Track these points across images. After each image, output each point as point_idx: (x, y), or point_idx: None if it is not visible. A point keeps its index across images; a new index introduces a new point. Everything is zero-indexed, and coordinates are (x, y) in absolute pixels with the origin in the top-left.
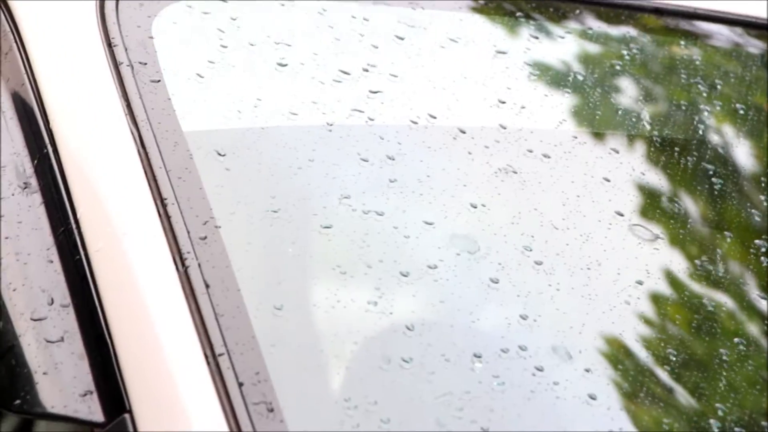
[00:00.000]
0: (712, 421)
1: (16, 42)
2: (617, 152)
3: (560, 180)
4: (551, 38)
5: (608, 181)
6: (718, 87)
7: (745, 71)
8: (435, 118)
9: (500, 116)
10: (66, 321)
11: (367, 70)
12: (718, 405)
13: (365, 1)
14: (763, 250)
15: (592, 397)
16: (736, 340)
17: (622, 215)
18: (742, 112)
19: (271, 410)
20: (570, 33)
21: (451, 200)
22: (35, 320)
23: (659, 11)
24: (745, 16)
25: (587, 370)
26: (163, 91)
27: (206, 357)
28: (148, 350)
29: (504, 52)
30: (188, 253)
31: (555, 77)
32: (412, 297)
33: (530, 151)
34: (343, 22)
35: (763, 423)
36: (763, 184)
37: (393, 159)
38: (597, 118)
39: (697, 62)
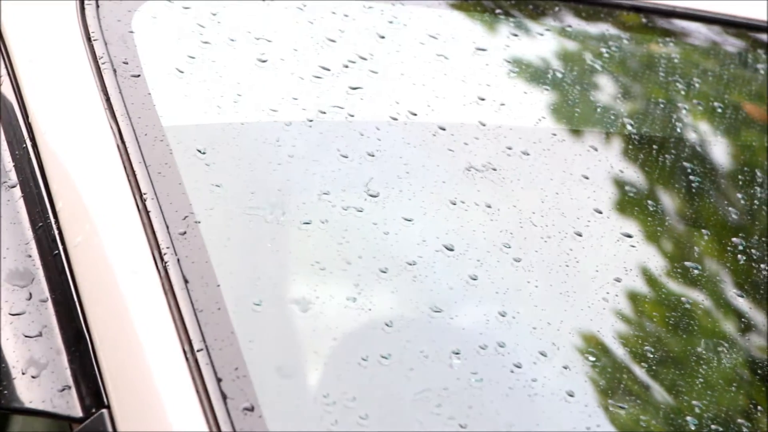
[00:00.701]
0: (689, 418)
1: None
2: (596, 150)
3: (539, 177)
4: (530, 35)
5: (587, 178)
6: (696, 85)
7: (723, 69)
8: (415, 114)
9: (480, 113)
10: (44, 316)
11: (347, 66)
12: (695, 402)
13: None
14: (740, 248)
15: (570, 394)
16: (712, 337)
17: (600, 212)
18: (720, 110)
19: (250, 407)
20: (549, 30)
21: (430, 197)
22: (13, 315)
23: (638, 9)
24: (724, 15)
25: (565, 367)
26: (143, 86)
27: (185, 352)
28: (127, 345)
29: (484, 49)
30: (167, 248)
31: (534, 74)
32: (391, 293)
33: (509, 149)
34: (324, 18)
35: (739, 420)
36: (740, 182)
37: (373, 155)
38: (576, 115)
39: (675, 60)
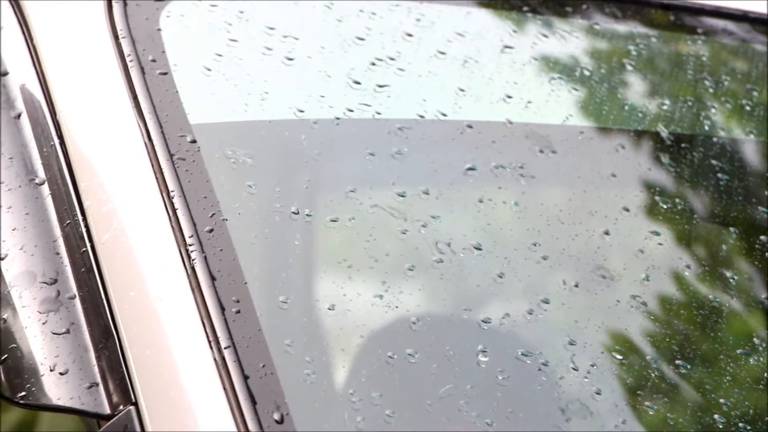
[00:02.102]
0: (716, 416)
1: (24, 35)
2: (624, 148)
3: (567, 175)
4: (558, 33)
5: (615, 176)
6: (725, 83)
7: (752, 66)
8: (443, 114)
9: (507, 111)
10: (72, 313)
11: (374, 64)
12: (722, 401)
13: None
14: None
15: (598, 393)
16: (741, 336)
17: (628, 210)
18: (748, 108)
19: (277, 405)
20: (577, 28)
21: (457, 195)
22: (41, 313)
23: (666, 7)
24: (752, 12)
25: (593, 365)
26: (170, 84)
27: (212, 350)
28: (154, 343)
29: (511, 47)
30: (194, 245)
31: (562, 72)
32: (418, 291)
33: (537, 147)
34: (351, 16)
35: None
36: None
37: (400, 153)
38: (604, 113)
39: (704, 58)
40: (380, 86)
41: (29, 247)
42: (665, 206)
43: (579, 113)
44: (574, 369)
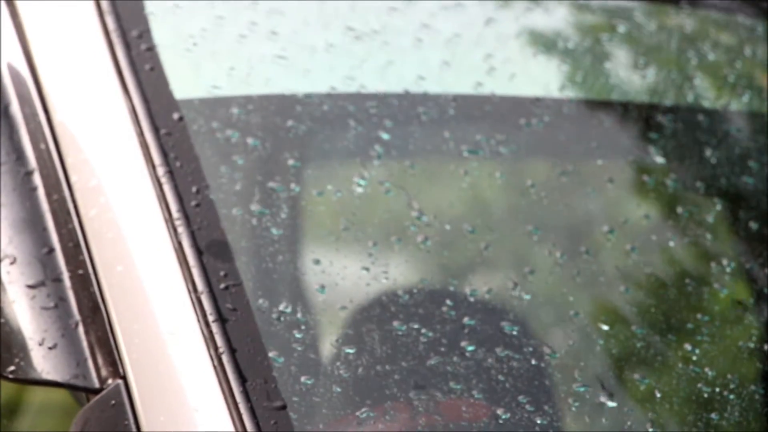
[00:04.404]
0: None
1: (8, 12)
2: (610, 120)
3: (552, 148)
4: (544, 5)
5: (600, 148)
6: (710, 55)
7: (738, 40)
8: (427, 84)
9: (492, 84)
10: (60, 288)
11: (358, 38)
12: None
13: None
14: (756, 217)
15: (584, 364)
16: (726, 308)
17: (613, 182)
18: (732, 79)
19: (264, 379)
20: (563, 0)
21: (442, 168)
22: (30, 287)
23: None
24: None
25: (579, 336)
26: (156, 60)
27: (200, 323)
28: (142, 317)
29: (496, 19)
30: (181, 220)
31: (547, 45)
32: (405, 263)
33: (521, 119)
34: None
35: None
36: (755, 152)
37: (385, 127)
38: (589, 85)
39: (689, 30)
40: (365, 59)
41: (17, 223)
42: (650, 178)
43: (564, 86)
44: (562, 342)
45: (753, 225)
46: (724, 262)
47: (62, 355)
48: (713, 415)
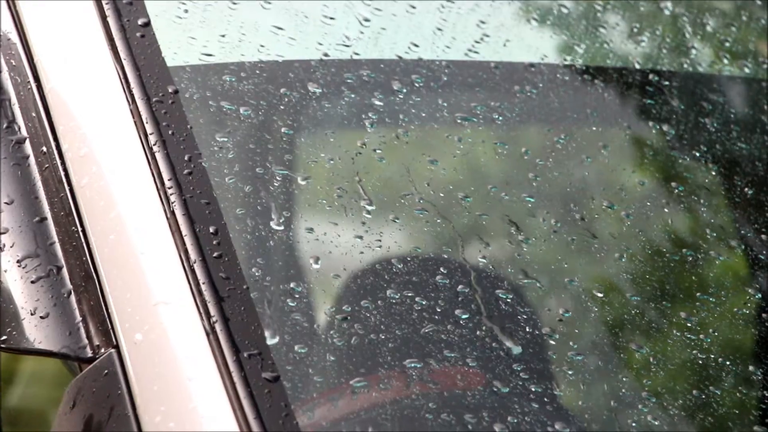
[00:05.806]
0: (697, 353)
1: None
2: (604, 86)
3: (547, 114)
4: None
5: (594, 114)
6: (705, 20)
7: (734, 5)
8: (421, 52)
9: (485, 50)
10: (52, 257)
11: (351, 7)
12: (702, 336)
13: None
14: (751, 182)
15: (578, 331)
16: (721, 276)
17: (607, 147)
18: (728, 44)
19: (258, 352)
20: None
21: (437, 134)
22: (22, 258)
23: None
24: None
25: (575, 303)
26: (147, 28)
27: (192, 292)
28: (135, 286)
29: None
30: (173, 188)
31: (541, 11)
32: (400, 231)
33: (516, 85)
34: None
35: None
36: (753, 120)
37: (379, 93)
38: (582, 52)
39: None
40: (358, 27)
41: (9, 194)
42: (645, 144)
43: (558, 52)
44: (555, 308)
45: (749, 191)
46: (721, 228)
47: (54, 325)
48: (708, 383)
